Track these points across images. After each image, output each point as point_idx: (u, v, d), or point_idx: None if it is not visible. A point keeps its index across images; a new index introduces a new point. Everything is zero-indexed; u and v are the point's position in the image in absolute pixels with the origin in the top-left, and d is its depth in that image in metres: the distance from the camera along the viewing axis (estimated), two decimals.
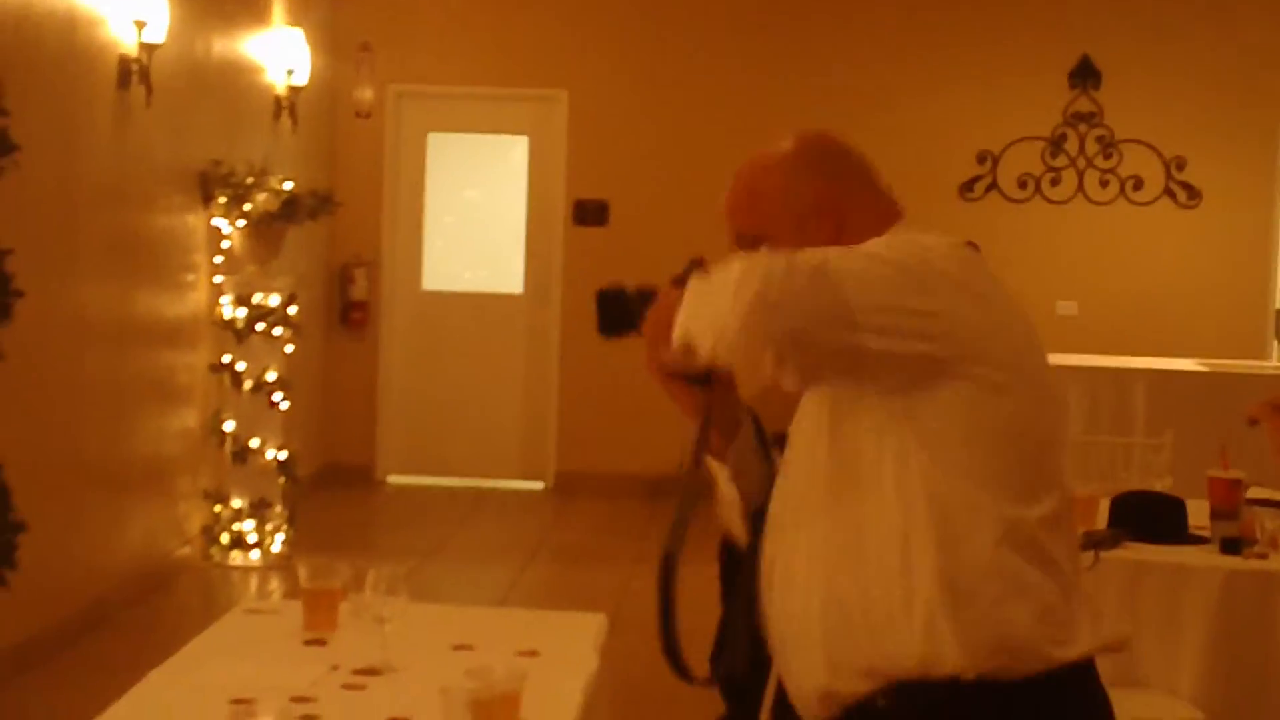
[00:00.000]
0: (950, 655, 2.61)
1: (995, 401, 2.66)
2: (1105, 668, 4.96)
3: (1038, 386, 2.75)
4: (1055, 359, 11.14)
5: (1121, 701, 4.92)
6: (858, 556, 2.69)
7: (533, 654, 3.64)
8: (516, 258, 12.13)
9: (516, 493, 11.90)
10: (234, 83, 9.78)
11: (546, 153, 12.00)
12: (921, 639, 2.62)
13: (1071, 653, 2.70)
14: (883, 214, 2.92)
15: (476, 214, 12.28)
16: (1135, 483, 5.86)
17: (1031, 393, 2.73)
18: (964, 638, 2.61)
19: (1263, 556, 5.04)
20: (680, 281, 2.76)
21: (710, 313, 2.64)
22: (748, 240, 2.87)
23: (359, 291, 11.87)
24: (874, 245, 2.75)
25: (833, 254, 2.67)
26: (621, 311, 2.91)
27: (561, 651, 3.72)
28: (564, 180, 11.91)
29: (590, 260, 11.74)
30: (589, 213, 11.88)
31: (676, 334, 2.69)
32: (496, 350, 12.08)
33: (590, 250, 11.79)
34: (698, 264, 2.78)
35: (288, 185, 9.21)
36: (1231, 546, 5.12)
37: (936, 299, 2.66)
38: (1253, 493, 5.13)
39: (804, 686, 2.78)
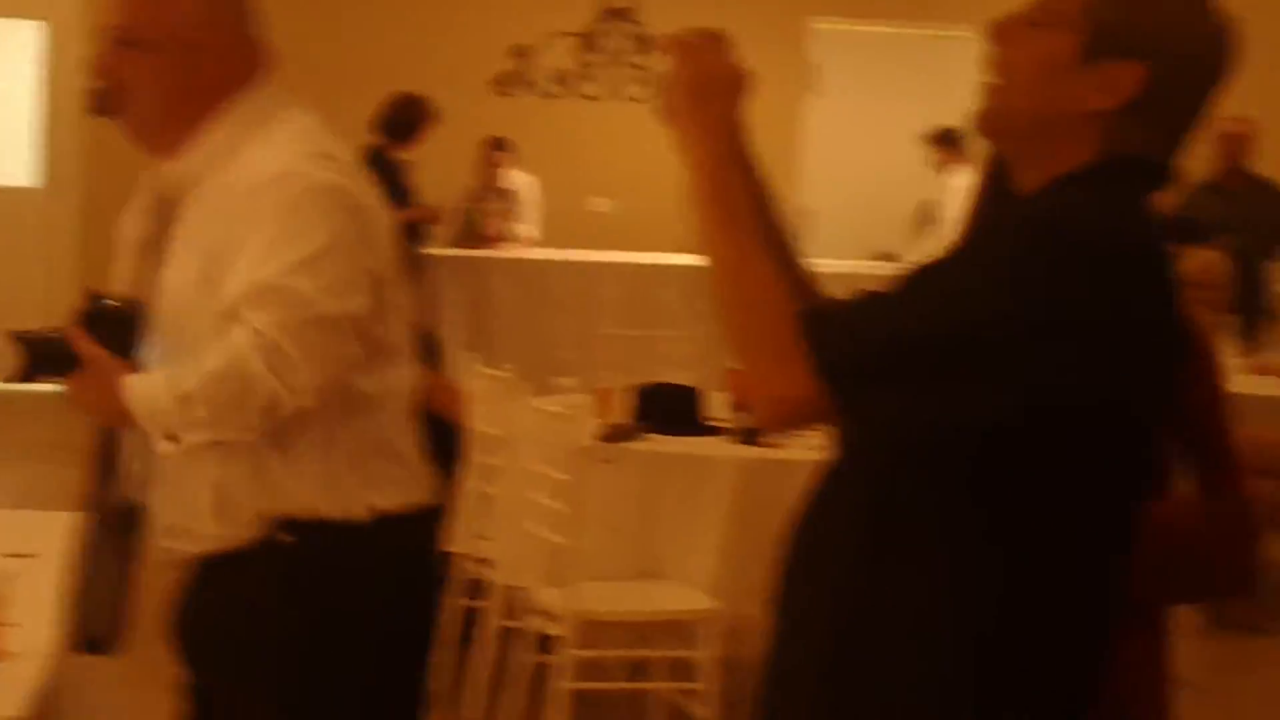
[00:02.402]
0: None
1: None
2: (624, 561, 5.05)
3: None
4: (588, 255, 11.15)
5: (639, 593, 4.99)
6: None
7: (27, 556, 3.45)
8: (30, 149, 11.58)
9: (28, 395, 11.37)
10: None
11: (63, 38, 11.45)
12: None
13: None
14: (247, 62, 2.74)
15: None
16: (660, 375, 5.90)
17: None
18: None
19: (777, 445, 5.13)
20: (87, 323, 2.73)
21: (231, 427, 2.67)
22: (121, 37, 2.67)
23: None
24: (302, 219, 2.63)
25: (304, 285, 2.60)
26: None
27: (59, 552, 3.54)
28: (82, 68, 11.38)
29: (113, 153, 11.27)
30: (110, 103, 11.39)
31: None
32: (7, 247, 11.52)
33: (113, 142, 11.31)
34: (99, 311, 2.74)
35: None
36: (749, 436, 5.20)
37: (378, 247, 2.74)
38: None
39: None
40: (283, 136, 2.72)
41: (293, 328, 2.60)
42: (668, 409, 5.42)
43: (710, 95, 2.11)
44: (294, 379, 2.61)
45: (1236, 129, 8.47)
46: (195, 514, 2.78)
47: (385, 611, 2.81)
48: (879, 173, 11.88)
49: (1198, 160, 2.17)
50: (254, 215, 2.64)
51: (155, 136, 2.77)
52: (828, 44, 12.06)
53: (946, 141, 11.24)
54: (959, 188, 11.13)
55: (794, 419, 1.95)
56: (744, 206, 2.06)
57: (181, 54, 2.67)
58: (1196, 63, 2.03)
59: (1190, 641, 4.63)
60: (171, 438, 2.69)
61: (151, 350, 2.77)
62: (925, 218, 11.52)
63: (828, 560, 2.07)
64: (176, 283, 2.74)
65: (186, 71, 2.68)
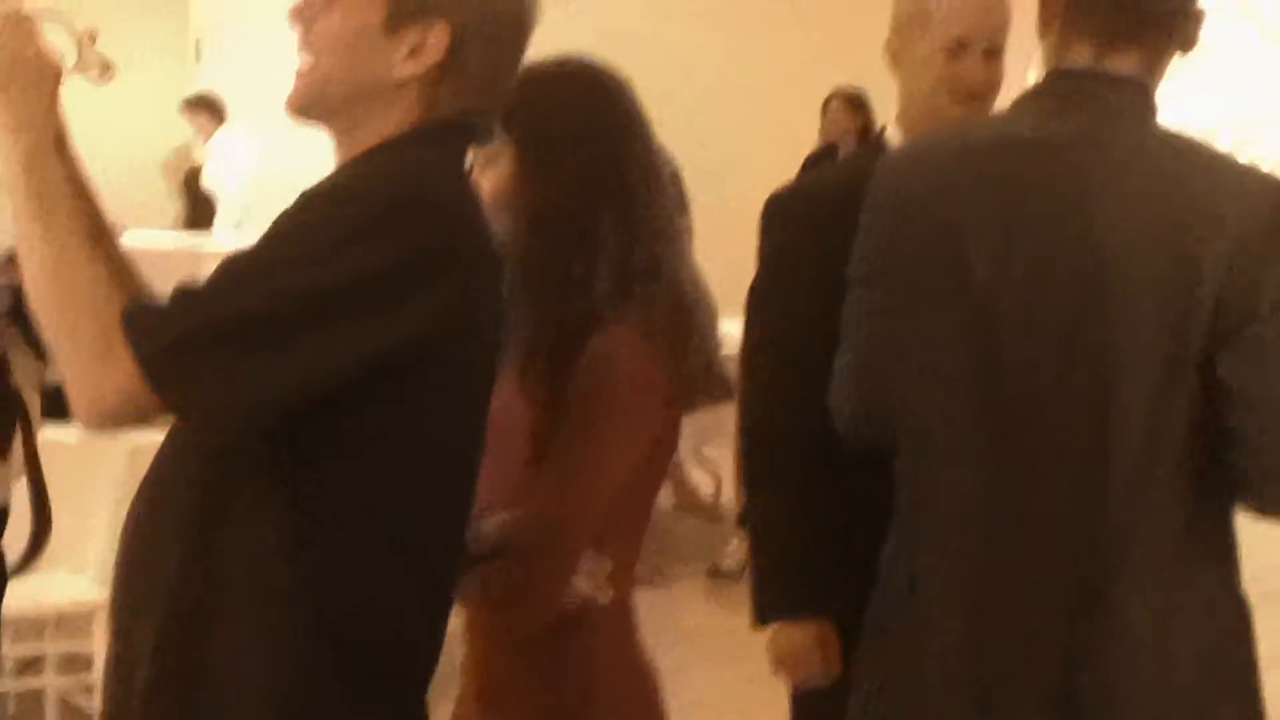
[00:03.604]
0: None
1: None
2: (10, 553, 4.85)
3: None
4: None
5: (26, 586, 4.81)
6: None
7: None
8: None
9: None
10: None
11: None
12: None
13: None
14: None
15: None
16: None
17: None
18: None
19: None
20: None
21: None
22: None
23: None
24: None
25: None
26: None
27: None
28: None
29: None
30: None
31: None
32: None
33: None
34: None
35: None
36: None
37: None
38: None
39: None
40: None
41: None
42: (57, 395, 5.25)
43: (14, 82, 1.96)
44: None
45: None
46: None
47: None
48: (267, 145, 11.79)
49: None
50: None
51: None
52: (211, 15, 11.86)
53: (204, 106, 11.06)
54: (220, 154, 11.03)
55: (119, 417, 1.86)
56: (62, 199, 1.93)
57: None
58: (499, 18, 2.04)
59: None
60: None
61: None
62: (189, 185, 11.46)
63: (163, 539, 1.99)
64: None
65: None
